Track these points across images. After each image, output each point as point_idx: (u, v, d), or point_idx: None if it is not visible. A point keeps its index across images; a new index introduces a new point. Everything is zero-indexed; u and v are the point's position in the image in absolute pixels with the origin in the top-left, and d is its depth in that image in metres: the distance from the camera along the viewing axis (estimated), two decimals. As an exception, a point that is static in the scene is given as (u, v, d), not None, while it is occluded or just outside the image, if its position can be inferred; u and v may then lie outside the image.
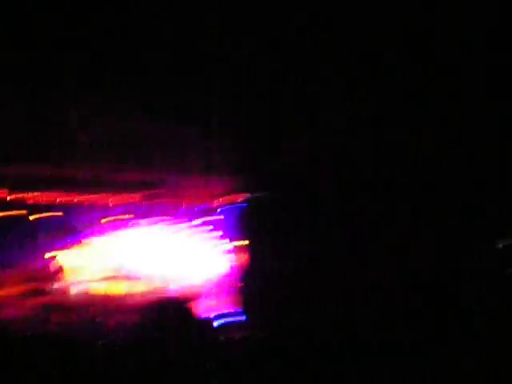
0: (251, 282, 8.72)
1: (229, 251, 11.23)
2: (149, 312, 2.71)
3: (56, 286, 11.83)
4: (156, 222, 12.05)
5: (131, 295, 11.44)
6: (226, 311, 8.64)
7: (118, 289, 11.71)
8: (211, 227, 11.74)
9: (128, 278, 11.97)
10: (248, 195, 9.07)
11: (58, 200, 11.28)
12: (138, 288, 11.69)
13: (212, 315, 7.80)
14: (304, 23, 7.20)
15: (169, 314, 2.48)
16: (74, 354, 4.91)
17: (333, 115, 7.50)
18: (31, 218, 11.50)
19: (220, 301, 10.06)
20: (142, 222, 12.06)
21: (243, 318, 8.30)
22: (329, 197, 7.34)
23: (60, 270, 12.33)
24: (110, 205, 11.70)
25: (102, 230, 12.34)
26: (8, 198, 11.07)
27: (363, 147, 6.64)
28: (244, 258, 9.43)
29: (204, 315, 6.24)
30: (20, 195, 11.14)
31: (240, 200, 9.83)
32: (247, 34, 7.32)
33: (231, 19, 7.16)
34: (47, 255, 12.17)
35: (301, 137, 8.19)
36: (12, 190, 11.05)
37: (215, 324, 7.97)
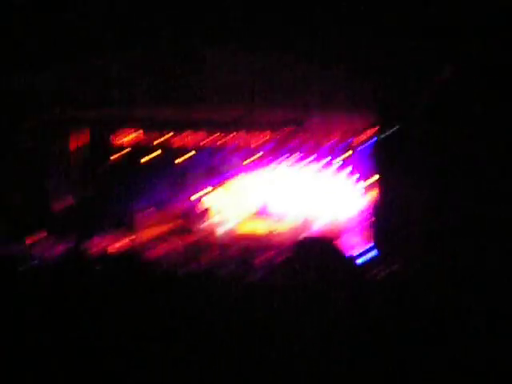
0: (384, 219, 8.49)
1: (365, 188, 11.04)
2: (295, 250, 2.66)
3: (203, 225, 12.21)
4: (297, 161, 12.01)
5: (276, 234, 11.57)
6: (364, 248, 8.55)
7: (263, 227, 11.89)
8: (348, 164, 11.57)
9: (271, 216, 12.12)
10: (384, 130, 8.77)
11: (202, 142, 11.48)
12: (281, 226, 11.80)
13: (353, 252, 7.70)
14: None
15: (315, 251, 2.42)
16: (221, 292, 4.95)
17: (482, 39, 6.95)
18: (177, 159, 11.84)
19: (358, 238, 9.96)
20: (284, 160, 12.08)
21: (377, 253, 8.18)
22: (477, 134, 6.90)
23: (206, 209, 12.70)
24: (253, 145, 11.76)
25: (245, 170, 12.53)
26: (155, 142, 11.44)
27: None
28: (378, 194, 9.19)
29: (348, 252, 6.11)
30: (165, 138, 11.45)
31: (375, 135, 9.56)
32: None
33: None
34: (194, 196, 12.56)
35: (444, 67, 7.70)
36: (157, 133, 11.39)
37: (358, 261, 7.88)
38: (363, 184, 11.15)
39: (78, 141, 11.14)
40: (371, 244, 8.79)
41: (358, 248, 8.51)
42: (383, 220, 8.56)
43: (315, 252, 2.02)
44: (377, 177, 9.58)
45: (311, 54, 8.32)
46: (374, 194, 9.83)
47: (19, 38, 8.07)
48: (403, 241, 7.43)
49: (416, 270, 5.91)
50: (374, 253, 8.32)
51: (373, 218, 9.34)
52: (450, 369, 3.57)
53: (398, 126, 8.38)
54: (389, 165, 8.49)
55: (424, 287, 4.86)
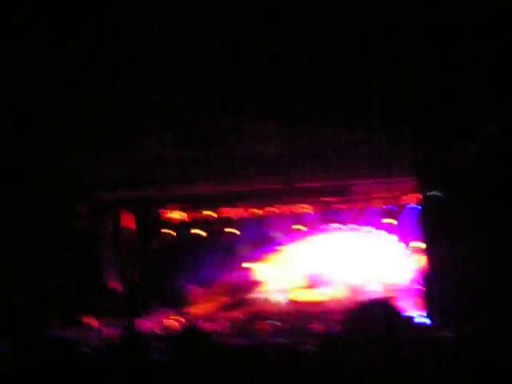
0: (433, 287, 8.36)
1: (411, 253, 10.94)
2: (353, 315, 2.66)
3: (256, 295, 12.21)
4: (342, 227, 12.03)
5: (331, 300, 11.50)
6: (413, 313, 8.42)
7: (317, 295, 11.83)
8: (393, 229, 11.53)
9: (324, 283, 12.07)
10: (427, 194, 8.73)
11: (251, 212, 11.60)
12: (335, 293, 11.73)
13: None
14: None
15: (374, 315, 2.42)
16: (288, 361, 4.97)
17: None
18: (227, 231, 11.98)
19: (407, 303, 9.81)
20: (330, 228, 12.10)
21: (428, 321, 8.05)
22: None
23: (258, 280, 12.72)
24: (300, 213, 11.83)
25: (294, 238, 12.57)
26: (199, 216, 11.61)
27: None
28: (425, 260, 9.09)
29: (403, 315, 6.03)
30: (210, 212, 11.62)
31: (419, 200, 9.54)
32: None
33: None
34: (245, 266, 12.62)
35: (488, 126, 7.65)
36: (201, 208, 11.57)
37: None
38: (410, 249, 11.07)
39: (128, 221, 11.40)
40: (423, 312, 8.68)
41: (411, 314, 8.39)
42: (431, 288, 8.44)
43: (380, 311, 2.05)
44: (424, 243, 9.51)
45: (352, 123, 8.38)
46: (422, 260, 9.72)
47: (71, 125, 8.39)
48: (455, 309, 7.28)
49: (468, 336, 5.79)
50: (426, 320, 8.21)
51: (423, 288, 9.22)
52: None
53: (440, 192, 8.33)
54: (433, 230, 8.42)
55: (476, 353, 4.79)
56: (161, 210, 11.70)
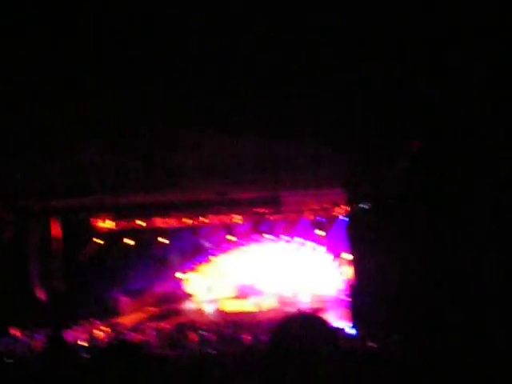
0: (359, 299, 8.49)
1: (340, 264, 11.11)
2: (283, 326, 2.64)
3: (186, 306, 12.14)
4: (273, 239, 12.13)
5: (260, 311, 11.55)
6: (341, 324, 8.53)
7: (247, 305, 11.86)
8: (324, 241, 11.69)
9: (254, 294, 12.11)
10: (355, 206, 8.88)
11: (183, 222, 11.52)
12: (264, 303, 11.80)
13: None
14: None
15: (303, 326, 2.40)
16: (212, 371, 4.94)
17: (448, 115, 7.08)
18: (159, 241, 11.86)
19: (335, 314, 9.94)
20: (262, 239, 12.18)
21: (354, 331, 8.17)
22: (450, 205, 6.93)
23: (189, 290, 12.64)
24: (232, 224, 11.84)
25: (226, 249, 12.56)
26: (131, 227, 11.45)
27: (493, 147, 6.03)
28: (353, 272, 9.24)
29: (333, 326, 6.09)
30: (142, 222, 11.48)
31: (347, 212, 9.69)
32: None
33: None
34: (176, 277, 12.52)
35: (413, 142, 7.83)
36: (133, 218, 11.41)
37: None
38: (339, 260, 11.23)
39: (56, 229, 11.14)
40: (349, 323, 8.80)
41: (338, 324, 8.50)
42: (358, 299, 8.57)
43: (304, 326, 2.04)
44: (350, 255, 9.66)
45: (282, 135, 8.44)
46: (349, 272, 9.88)
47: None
48: (379, 320, 7.39)
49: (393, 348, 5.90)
50: (352, 331, 8.33)
51: (349, 299, 9.35)
52: None
53: (368, 203, 8.47)
54: (361, 242, 8.55)
55: (401, 364, 4.87)
56: (91, 219, 11.48)
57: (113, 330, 10.17)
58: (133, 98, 7.70)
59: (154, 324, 10.73)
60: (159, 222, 11.55)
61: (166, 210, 11.17)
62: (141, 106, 7.86)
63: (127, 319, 11.07)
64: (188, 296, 12.35)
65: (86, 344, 9.03)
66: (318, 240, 11.78)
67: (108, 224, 11.46)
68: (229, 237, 12.17)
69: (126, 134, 8.67)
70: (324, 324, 2.21)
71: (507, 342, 4.62)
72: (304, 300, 11.64)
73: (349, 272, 9.86)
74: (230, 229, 12.03)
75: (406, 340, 6.06)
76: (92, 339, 9.46)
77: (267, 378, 2.10)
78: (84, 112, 7.96)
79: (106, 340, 9.40)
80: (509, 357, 4.44)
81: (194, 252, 12.45)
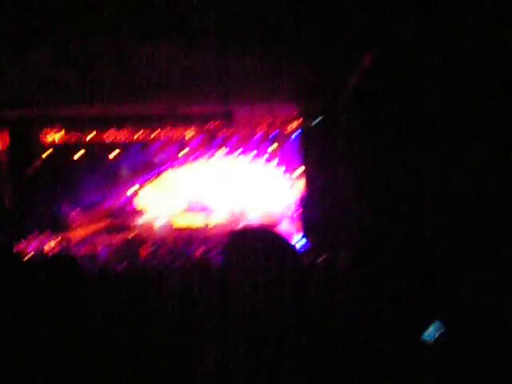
0: (310, 211, 8.55)
1: (293, 179, 11.17)
2: (233, 241, 2.60)
3: (138, 221, 12.14)
4: (227, 153, 12.07)
5: (211, 226, 11.61)
6: (295, 238, 8.63)
7: (198, 220, 11.92)
8: (277, 156, 11.70)
9: (205, 209, 12.16)
10: (307, 121, 8.83)
11: (134, 137, 11.37)
12: (217, 218, 11.86)
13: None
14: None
15: (254, 241, 2.35)
16: (163, 287, 4.96)
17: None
18: (110, 156, 11.71)
19: (288, 229, 10.06)
20: (214, 154, 12.12)
21: (307, 243, 8.28)
22: (398, 120, 6.94)
23: (140, 205, 12.62)
24: (185, 139, 11.73)
25: (176, 165, 12.50)
26: (81, 140, 11.24)
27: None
28: (304, 186, 9.28)
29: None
30: (93, 136, 11.28)
31: (299, 126, 9.65)
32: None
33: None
34: (128, 192, 12.46)
35: (366, 55, 7.74)
36: (84, 131, 11.18)
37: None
38: (291, 175, 11.28)
39: (4, 141, 10.87)
40: (301, 234, 8.88)
41: (291, 238, 8.59)
42: (309, 212, 8.63)
43: (255, 240, 2.00)
44: (302, 168, 9.67)
45: (234, 49, 8.30)
46: (301, 185, 9.92)
47: None
48: (330, 231, 7.48)
49: (343, 260, 5.99)
50: (304, 242, 8.42)
51: (300, 210, 9.42)
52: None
53: (321, 117, 8.44)
54: (313, 156, 8.56)
55: (354, 275, 4.95)
56: (40, 132, 11.21)
57: (61, 244, 10.15)
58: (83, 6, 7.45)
59: (104, 238, 10.74)
60: (110, 136, 11.36)
61: (116, 123, 11.00)
62: (89, 17, 7.62)
63: (77, 233, 11.04)
64: (139, 211, 12.33)
65: (32, 257, 9.00)
66: (270, 155, 11.78)
67: (58, 137, 11.23)
68: (180, 152, 12.09)
69: (70, 46, 8.45)
70: (277, 236, 2.18)
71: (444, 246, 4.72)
72: (255, 215, 11.73)
73: (300, 186, 9.93)
74: (181, 144, 11.92)
75: (354, 252, 6.16)
76: (40, 252, 9.43)
77: (222, 292, 2.07)
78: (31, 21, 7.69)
79: (55, 253, 9.37)
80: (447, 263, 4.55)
81: (146, 167, 12.36)
